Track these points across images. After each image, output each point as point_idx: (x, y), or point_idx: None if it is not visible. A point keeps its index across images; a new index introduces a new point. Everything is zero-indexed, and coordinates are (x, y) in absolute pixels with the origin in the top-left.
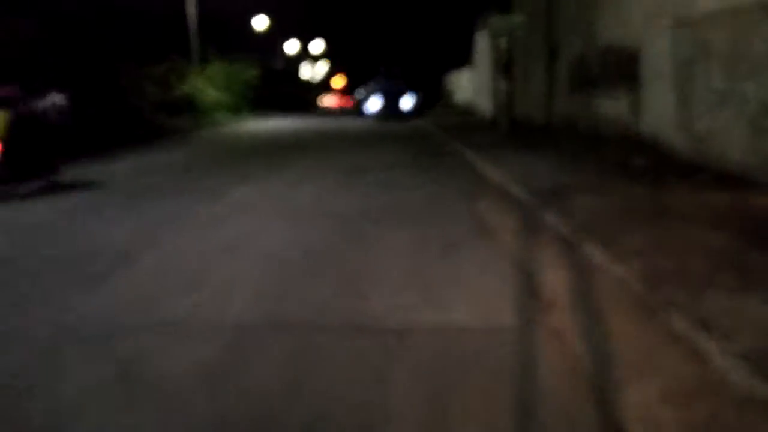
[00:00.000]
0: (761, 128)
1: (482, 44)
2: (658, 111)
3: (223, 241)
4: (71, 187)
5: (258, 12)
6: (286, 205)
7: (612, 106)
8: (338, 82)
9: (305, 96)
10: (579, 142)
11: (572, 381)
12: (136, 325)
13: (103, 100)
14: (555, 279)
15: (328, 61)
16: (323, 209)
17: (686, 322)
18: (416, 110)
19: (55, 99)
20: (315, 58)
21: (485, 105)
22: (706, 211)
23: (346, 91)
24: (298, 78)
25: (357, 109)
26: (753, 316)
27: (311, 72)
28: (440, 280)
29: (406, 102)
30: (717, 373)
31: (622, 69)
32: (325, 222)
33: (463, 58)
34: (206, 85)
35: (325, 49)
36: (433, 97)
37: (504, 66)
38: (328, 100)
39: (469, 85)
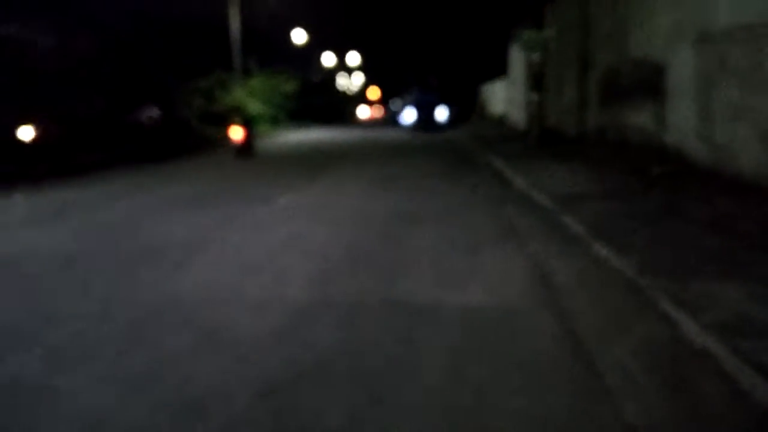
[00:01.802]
0: None
1: (516, 57)
2: (681, 122)
3: (276, 238)
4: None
5: (296, 25)
6: (329, 208)
7: (639, 117)
8: (374, 93)
9: (342, 107)
10: (606, 152)
11: (570, 346)
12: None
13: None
14: (566, 270)
15: (364, 72)
16: (363, 212)
17: (667, 300)
18: (450, 121)
19: (150, 111)
20: (351, 70)
21: (518, 116)
22: (710, 215)
23: (381, 102)
24: (335, 89)
25: (393, 120)
26: (723, 298)
27: (347, 83)
28: (464, 270)
29: (441, 113)
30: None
31: (649, 82)
32: (365, 224)
33: (497, 69)
34: (248, 97)
35: (361, 60)
36: (467, 108)
37: (536, 79)
38: (364, 112)
39: (503, 97)
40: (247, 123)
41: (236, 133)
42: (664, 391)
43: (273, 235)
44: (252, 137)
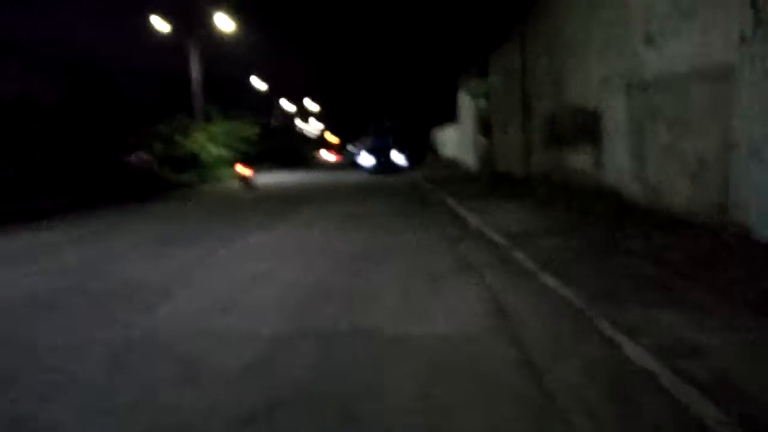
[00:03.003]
0: (698, 179)
1: (465, 103)
2: (617, 164)
3: (250, 274)
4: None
5: (256, 72)
6: (296, 247)
7: (579, 160)
8: (332, 138)
9: (302, 151)
10: (551, 193)
11: (523, 368)
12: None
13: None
14: (519, 300)
15: (321, 116)
16: (328, 250)
17: (610, 326)
18: (405, 164)
19: (141, 155)
20: (309, 115)
21: (469, 159)
22: (646, 248)
23: (338, 146)
24: (295, 134)
25: (352, 163)
26: (661, 323)
27: (306, 128)
28: (427, 301)
29: (396, 156)
30: (625, 356)
31: (587, 127)
32: (331, 260)
33: (448, 114)
34: (209, 142)
35: (318, 106)
36: (421, 151)
37: (484, 125)
38: (325, 156)
39: (454, 141)
40: (251, 163)
41: (244, 170)
42: (609, 406)
43: (248, 270)
44: (254, 174)
